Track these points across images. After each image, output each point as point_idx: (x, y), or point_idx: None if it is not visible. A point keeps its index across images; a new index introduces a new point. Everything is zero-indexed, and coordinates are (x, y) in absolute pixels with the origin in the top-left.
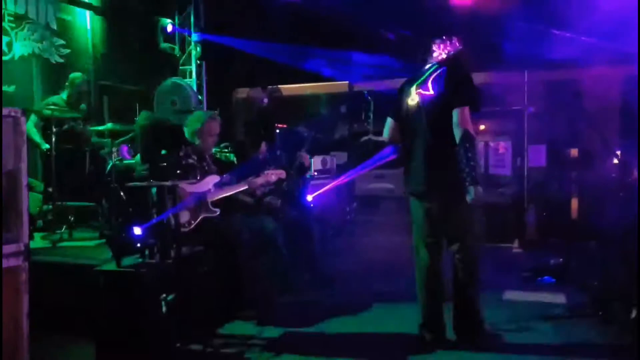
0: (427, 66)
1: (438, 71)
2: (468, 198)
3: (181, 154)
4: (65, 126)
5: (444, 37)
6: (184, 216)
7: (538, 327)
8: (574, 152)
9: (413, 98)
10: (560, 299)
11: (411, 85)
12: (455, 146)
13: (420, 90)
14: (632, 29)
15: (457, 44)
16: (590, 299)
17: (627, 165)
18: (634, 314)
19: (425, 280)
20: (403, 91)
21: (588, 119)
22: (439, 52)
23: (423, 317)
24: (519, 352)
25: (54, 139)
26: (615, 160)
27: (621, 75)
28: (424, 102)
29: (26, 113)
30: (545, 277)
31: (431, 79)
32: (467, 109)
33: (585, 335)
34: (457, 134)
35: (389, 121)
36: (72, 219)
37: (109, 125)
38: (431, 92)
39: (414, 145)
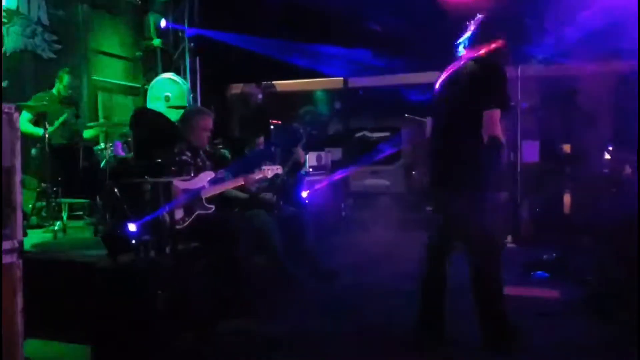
0: (461, 60)
1: (471, 65)
2: (489, 203)
3: (175, 150)
4: (58, 120)
5: (479, 28)
6: (179, 213)
7: (531, 322)
8: (567, 147)
9: (442, 93)
10: (553, 293)
11: (444, 80)
12: (477, 145)
13: (449, 85)
14: (626, 25)
15: (494, 36)
16: (583, 294)
17: (619, 161)
18: (626, 307)
19: (428, 277)
20: (436, 86)
21: (581, 115)
22: (475, 45)
23: (422, 314)
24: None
25: (47, 135)
26: (607, 156)
27: (615, 72)
28: (451, 98)
29: (19, 109)
30: (539, 272)
31: (462, 73)
32: (497, 112)
33: (579, 329)
34: (485, 137)
35: (428, 120)
36: (66, 215)
37: (102, 121)
38: (460, 87)
39: (437, 141)
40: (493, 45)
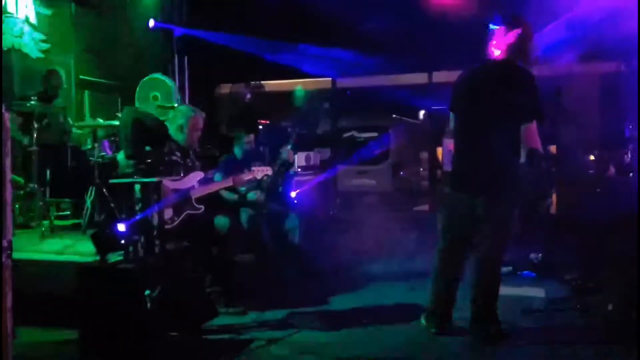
0: (489, 60)
1: (503, 69)
2: (545, 205)
3: (165, 150)
4: (45, 120)
5: (503, 26)
6: (168, 212)
7: (518, 321)
8: (553, 148)
9: (472, 92)
10: (540, 292)
11: (472, 80)
12: (514, 150)
13: (479, 86)
14: (611, 25)
15: (520, 33)
16: (569, 293)
17: (604, 162)
18: (610, 306)
19: (446, 269)
20: (463, 85)
21: (567, 116)
22: (499, 43)
23: (432, 305)
24: (499, 344)
25: (35, 135)
26: (592, 157)
27: (600, 72)
28: (483, 101)
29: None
30: (526, 272)
31: (494, 77)
32: (534, 125)
33: (565, 328)
34: (524, 149)
35: (452, 115)
36: (54, 215)
37: (90, 120)
38: (494, 93)
39: (471, 140)
40: (519, 42)
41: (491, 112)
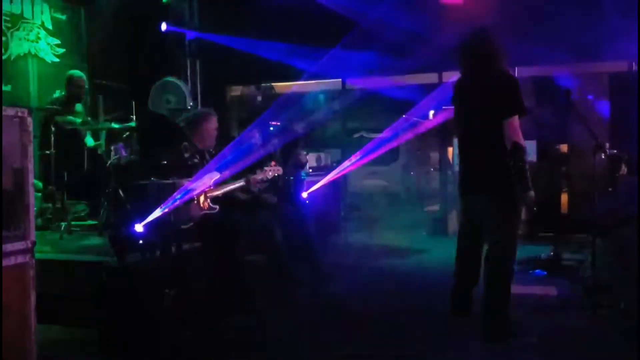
0: (470, 71)
1: (484, 76)
2: (523, 203)
3: (186, 155)
4: (68, 126)
5: (475, 40)
6: (185, 213)
7: (529, 319)
8: (564, 147)
9: (463, 99)
10: (551, 291)
11: (462, 86)
12: (503, 148)
13: (466, 97)
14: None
15: (492, 43)
16: (580, 291)
17: (616, 160)
18: (622, 305)
19: (459, 264)
20: (457, 91)
21: (577, 115)
22: (478, 55)
23: (451, 294)
24: (510, 343)
25: (52, 139)
26: (603, 155)
27: (610, 71)
28: (471, 109)
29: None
30: (537, 270)
31: (477, 85)
32: (515, 119)
33: (576, 326)
34: (507, 145)
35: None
36: (71, 217)
37: (106, 124)
38: (478, 99)
39: (466, 143)
40: (493, 51)
41: (476, 116)
